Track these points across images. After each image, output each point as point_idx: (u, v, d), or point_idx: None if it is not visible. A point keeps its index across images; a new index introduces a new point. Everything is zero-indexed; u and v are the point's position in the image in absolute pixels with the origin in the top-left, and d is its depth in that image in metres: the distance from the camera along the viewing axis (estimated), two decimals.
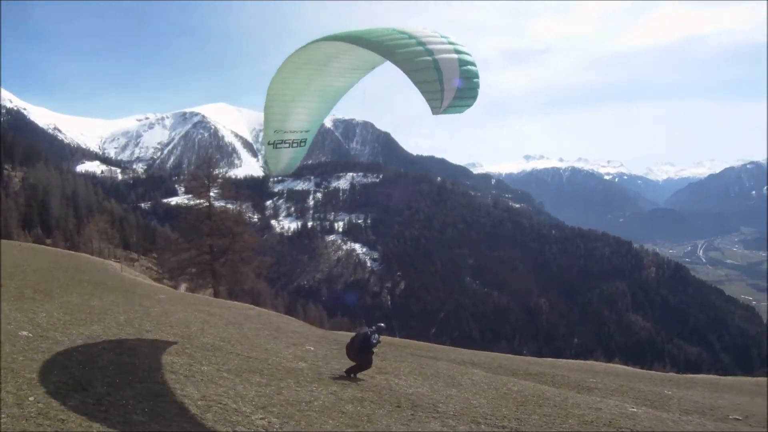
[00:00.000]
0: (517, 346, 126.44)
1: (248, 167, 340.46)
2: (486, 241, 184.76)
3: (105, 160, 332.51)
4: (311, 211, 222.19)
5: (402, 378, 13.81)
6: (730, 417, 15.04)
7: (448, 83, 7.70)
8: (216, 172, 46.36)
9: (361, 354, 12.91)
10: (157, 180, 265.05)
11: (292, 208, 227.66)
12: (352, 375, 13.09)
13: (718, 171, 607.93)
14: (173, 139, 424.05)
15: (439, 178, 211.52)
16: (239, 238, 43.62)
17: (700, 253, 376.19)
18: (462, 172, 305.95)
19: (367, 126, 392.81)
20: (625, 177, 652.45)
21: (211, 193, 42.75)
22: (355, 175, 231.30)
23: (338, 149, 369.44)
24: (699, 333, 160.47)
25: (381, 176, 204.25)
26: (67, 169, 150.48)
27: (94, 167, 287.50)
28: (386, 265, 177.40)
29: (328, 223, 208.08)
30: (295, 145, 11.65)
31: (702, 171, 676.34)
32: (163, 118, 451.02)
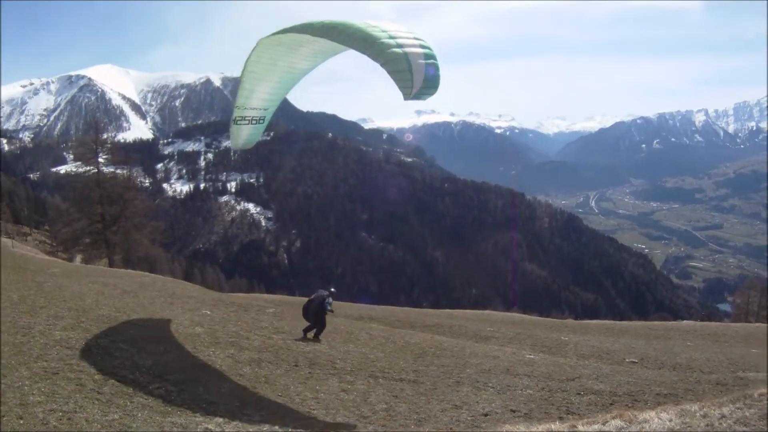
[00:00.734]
0: (416, 298, 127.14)
1: (137, 130, 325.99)
2: (379, 196, 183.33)
3: None
4: (203, 173, 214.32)
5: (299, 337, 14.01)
6: (626, 360, 16.11)
7: (417, 74, 8.29)
8: (104, 136, 45.80)
9: (316, 316, 13.87)
10: (45, 149, 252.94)
11: (184, 171, 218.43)
12: (308, 335, 13.98)
13: (608, 125, 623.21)
14: (59, 104, 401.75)
15: (330, 135, 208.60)
16: (130, 204, 42.88)
17: (593, 203, 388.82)
18: (353, 127, 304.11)
19: None
20: (517, 131, 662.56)
21: (100, 159, 41.67)
22: None
23: (228, 108, 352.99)
24: (594, 280, 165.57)
25: (272, 134, 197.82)
26: None
27: None
28: (281, 224, 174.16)
29: (220, 184, 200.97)
30: (254, 122, 12.14)
31: (593, 125, 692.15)
32: (48, 83, 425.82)
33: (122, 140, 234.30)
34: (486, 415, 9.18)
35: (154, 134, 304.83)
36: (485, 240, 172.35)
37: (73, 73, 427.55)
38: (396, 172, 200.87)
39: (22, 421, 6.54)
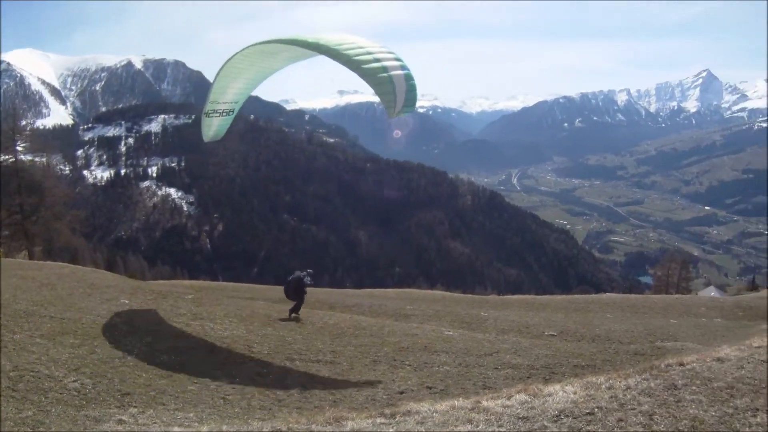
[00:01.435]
0: (340, 279, 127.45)
1: (57, 116, 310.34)
2: (301, 177, 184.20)
3: None
4: (123, 158, 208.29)
5: (217, 322, 14.07)
6: (546, 333, 16.39)
7: (399, 95, 9.77)
8: (23, 123, 45.16)
9: (297, 294, 15.24)
10: None
11: (104, 156, 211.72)
12: (293, 315, 15.19)
13: (531, 104, 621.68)
14: None
15: (252, 116, 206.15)
16: (50, 192, 41.56)
17: (515, 181, 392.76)
18: (275, 108, 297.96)
19: (179, 65, 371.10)
20: (439, 110, 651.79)
21: (18, 147, 40.58)
22: (166, 117, 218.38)
23: (149, 91, 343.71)
24: (517, 256, 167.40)
25: (193, 117, 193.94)
26: None
27: None
28: (203, 208, 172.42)
29: (141, 169, 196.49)
30: (224, 114, 13.02)
31: (515, 104, 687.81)
32: None
33: (41, 127, 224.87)
34: (402, 393, 9.46)
35: (74, 119, 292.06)
36: (408, 219, 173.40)
37: None
38: (318, 152, 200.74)
39: None
